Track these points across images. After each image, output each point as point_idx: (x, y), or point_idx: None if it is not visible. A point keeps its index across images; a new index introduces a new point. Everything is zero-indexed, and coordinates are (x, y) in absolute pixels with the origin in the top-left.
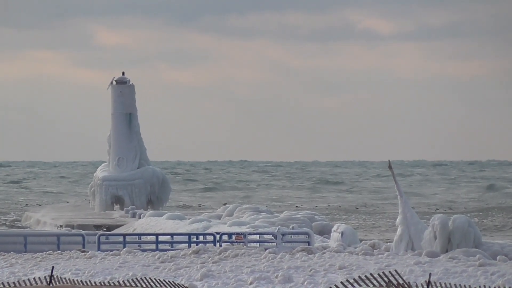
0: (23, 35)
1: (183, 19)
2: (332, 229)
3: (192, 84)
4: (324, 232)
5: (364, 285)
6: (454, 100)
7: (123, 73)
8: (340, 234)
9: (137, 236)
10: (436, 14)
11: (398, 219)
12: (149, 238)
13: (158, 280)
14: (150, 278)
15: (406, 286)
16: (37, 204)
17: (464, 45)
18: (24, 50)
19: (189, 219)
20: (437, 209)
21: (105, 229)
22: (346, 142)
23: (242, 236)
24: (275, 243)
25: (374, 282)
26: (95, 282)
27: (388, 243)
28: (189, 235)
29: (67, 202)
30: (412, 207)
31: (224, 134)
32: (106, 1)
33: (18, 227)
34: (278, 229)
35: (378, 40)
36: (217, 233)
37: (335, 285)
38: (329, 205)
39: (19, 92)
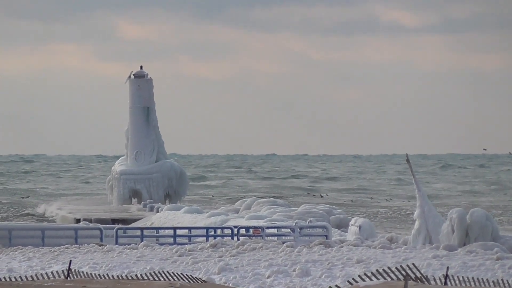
0: (47, 28)
1: (208, 12)
2: (350, 223)
3: (214, 77)
4: (342, 225)
5: (382, 279)
6: (476, 93)
7: (141, 67)
8: (358, 228)
9: (155, 230)
10: (460, 7)
11: (416, 212)
12: (166, 231)
13: (175, 274)
14: (167, 271)
15: (423, 279)
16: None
17: (487, 38)
18: (47, 43)
19: (207, 212)
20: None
21: (119, 224)
22: (369, 134)
23: (260, 229)
24: (292, 237)
25: (392, 275)
26: (112, 276)
27: (406, 237)
28: (207, 228)
29: (82, 197)
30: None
31: (247, 127)
32: None
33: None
34: (296, 222)
35: (402, 33)
36: (235, 226)
37: (353, 279)
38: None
39: (41, 84)
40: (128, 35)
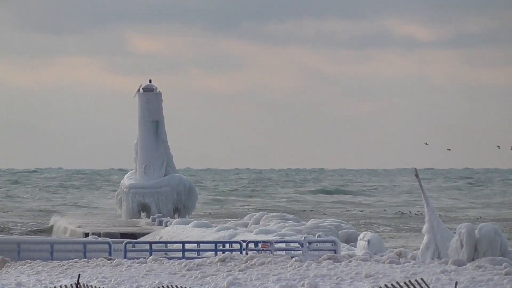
0: (59, 41)
1: (221, 25)
2: (359, 237)
3: (226, 91)
4: (351, 240)
5: None
6: (488, 107)
7: (150, 81)
8: (366, 242)
9: (164, 244)
10: (474, 21)
11: (424, 227)
12: (175, 246)
13: None
14: (176, 286)
15: None
16: (62, 211)
17: (500, 52)
18: (59, 56)
19: (215, 227)
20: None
21: (128, 238)
22: (381, 148)
23: (269, 244)
24: (301, 251)
25: None
26: None
27: (415, 251)
28: (216, 243)
29: (90, 212)
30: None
31: (258, 141)
32: (144, 8)
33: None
34: (305, 237)
35: (415, 47)
36: (244, 241)
37: None
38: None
39: (52, 97)
40: (140, 48)
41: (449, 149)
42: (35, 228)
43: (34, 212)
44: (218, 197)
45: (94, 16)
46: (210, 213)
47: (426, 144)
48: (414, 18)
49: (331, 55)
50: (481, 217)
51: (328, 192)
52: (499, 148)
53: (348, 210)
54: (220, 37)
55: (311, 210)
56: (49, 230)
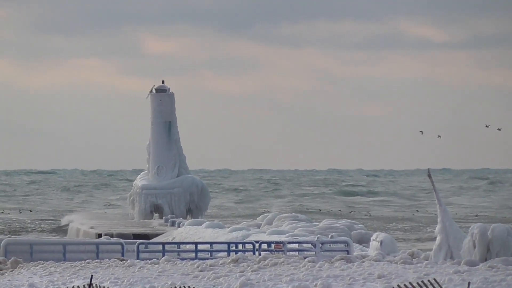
0: (72, 43)
1: (234, 27)
2: (371, 238)
3: (238, 92)
4: (363, 241)
5: None
6: (500, 109)
7: (162, 82)
8: (379, 243)
9: (176, 245)
10: (488, 23)
11: (437, 228)
12: (188, 246)
13: None
14: (189, 286)
15: None
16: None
17: None
18: (72, 58)
19: (228, 227)
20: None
21: (140, 238)
22: (394, 150)
23: (281, 244)
24: (314, 252)
25: None
26: None
27: (427, 252)
28: (228, 243)
29: (105, 212)
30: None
31: (269, 143)
32: (157, 9)
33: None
34: (317, 238)
35: (428, 48)
36: (256, 241)
37: None
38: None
39: (65, 99)
40: (153, 50)
41: (439, 136)
42: (50, 228)
43: (49, 213)
44: (251, 198)
45: (107, 17)
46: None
47: (421, 132)
48: (427, 19)
49: (343, 56)
50: (477, 215)
51: (352, 194)
52: (487, 127)
53: (396, 211)
54: (233, 38)
55: (365, 214)
56: (62, 231)
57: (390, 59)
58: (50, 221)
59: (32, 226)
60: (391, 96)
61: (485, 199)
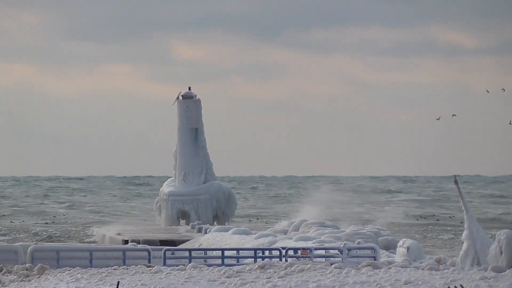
0: (101, 49)
1: (264, 33)
2: (398, 244)
3: (267, 99)
4: (390, 247)
5: None
6: None
7: (189, 88)
8: (406, 249)
9: (203, 251)
10: None
11: (464, 234)
12: (215, 253)
13: None
14: None
15: None
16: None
17: None
18: (101, 64)
19: (255, 234)
20: None
21: (167, 245)
22: (423, 156)
23: (308, 251)
24: (341, 258)
25: None
26: None
27: (454, 258)
28: (255, 250)
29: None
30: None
31: (299, 149)
32: (187, 16)
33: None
34: (344, 244)
35: (459, 54)
36: (283, 248)
37: None
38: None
39: (94, 106)
40: (183, 56)
41: (438, 119)
42: (76, 235)
43: (81, 219)
44: (282, 201)
45: (137, 24)
46: (257, 218)
47: (438, 118)
48: (458, 25)
49: (374, 62)
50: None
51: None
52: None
53: (451, 216)
54: (263, 44)
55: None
56: (90, 238)
57: (420, 65)
58: (79, 229)
59: (60, 234)
60: (421, 103)
61: None
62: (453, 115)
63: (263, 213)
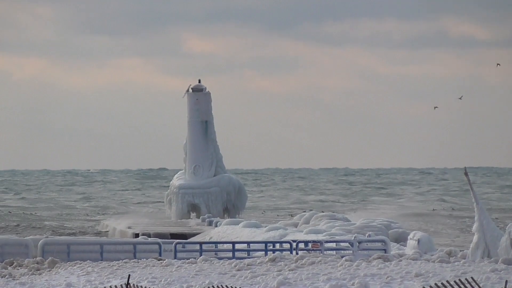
0: (113, 42)
1: (276, 26)
2: (409, 237)
3: (279, 92)
4: (400, 239)
5: None
6: None
7: (199, 81)
8: (416, 242)
9: (214, 244)
10: None
11: (474, 226)
12: (225, 246)
13: None
14: (226, 286)
15: None
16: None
17: None
18: (113, 57)
19: (265, 227)
20: None
21: (178, 238)
22: (437, 148)
23: (319, 244)
24: (351, 251)
25: None
26: None
27: (465, 251)
28: (266, 243)
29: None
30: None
31: (311, 142)
32: (199, 9)
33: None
34: (355, 236)
35: (471, 47)
36: (294, 241)
37: None
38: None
39: (106, 99)
40: (195, 49)
41: (461, 97)
42: (89, 228)
43: (93, 211)
44: (322, 198)
45: (149, 17)
46: (264, 212)
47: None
48: (471, 17)
49: (386, 55)
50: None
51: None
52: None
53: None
54: (276, 37)
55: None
56: (101, 231)
57: (433, 58)
58: (91, 222)
59: (73, 227)
60: (434, 95)
61: None
62: (435, 107)
63: (281, 205)
